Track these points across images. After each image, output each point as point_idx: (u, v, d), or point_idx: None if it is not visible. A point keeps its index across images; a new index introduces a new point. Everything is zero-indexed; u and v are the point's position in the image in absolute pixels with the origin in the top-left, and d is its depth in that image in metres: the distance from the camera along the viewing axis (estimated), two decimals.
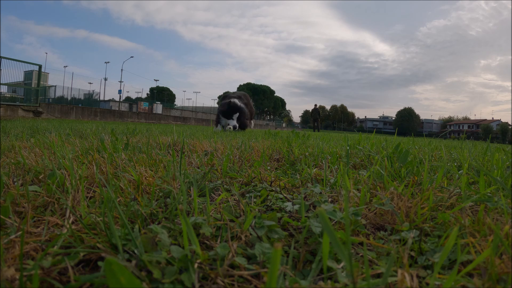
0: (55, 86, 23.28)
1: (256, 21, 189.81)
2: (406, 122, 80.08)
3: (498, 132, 68.73)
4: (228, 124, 6.22)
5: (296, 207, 0.87)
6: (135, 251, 0.55)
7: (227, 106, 6.21)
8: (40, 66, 13.29)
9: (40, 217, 0.76)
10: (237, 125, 6.27)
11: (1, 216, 0.67)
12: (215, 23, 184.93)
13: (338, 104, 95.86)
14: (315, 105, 20.20)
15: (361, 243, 0.71)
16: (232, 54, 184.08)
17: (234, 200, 0.98)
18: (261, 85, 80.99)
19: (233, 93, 7.16)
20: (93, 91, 26.50)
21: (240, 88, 78.14)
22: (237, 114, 6.25)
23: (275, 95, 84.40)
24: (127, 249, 0.58)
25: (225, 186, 1.16)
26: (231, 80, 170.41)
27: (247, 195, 1.06)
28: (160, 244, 0.59)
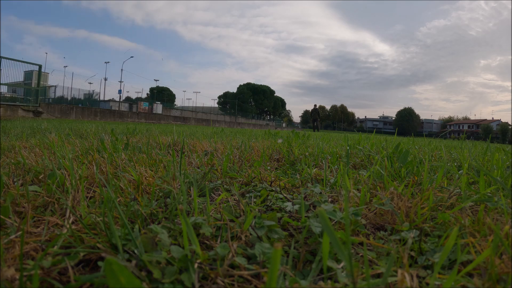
0: (55, 86, 23.32)
1: (256, 21, 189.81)
2: (406, 122, 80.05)
3: (498, 132, 68.71)
4: None
5: (296, 207, 0.87)
6: (135, 251, 0.55)
7: None
8: (40, 66, 13.30)
9: (40, 217, 0.76)
10: None
11: (1, 216, 0.67)
12: (215, 23, 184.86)
13: (338, 104, 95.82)
14: (315, 105, 20.16)
15: (361, 243, 0.71)
16: (232, 54, 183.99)
17: (234, 200, 0.98)
18: (261, 85, 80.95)
19: None
20: (93, 91, 26.57)
21: (240, 88, 78.09)
22: None
23: (275, 95, 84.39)
24: (127, 249, 0.57)
25: (225, 186, 1.16)
26: (231, 80, 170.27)
27: (247, 195, 1.06)
28: (160, 244, 0.59)
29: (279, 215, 0.83)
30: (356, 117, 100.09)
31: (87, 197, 0.94)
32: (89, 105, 22.49)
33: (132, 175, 1.08)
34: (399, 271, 0.51)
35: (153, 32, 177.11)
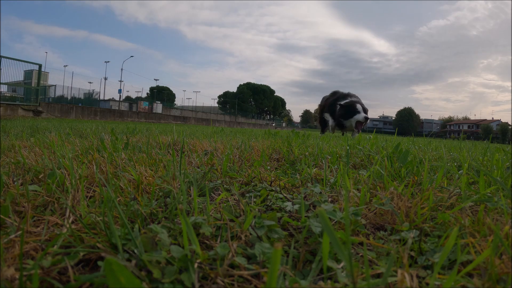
0: (55, 85, 23.30)
1: (259, 21, 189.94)
2: (406, 122, 79.96)
3: (498, 132, 68.67)
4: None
5: (296, 207, 0.87)
6: (135, 251, 0.55)
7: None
8: (40, 66, 13.30)
9: (40, 216, 0.76)
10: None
11: (1, 216, 0.67)
12: (216, 23, 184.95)
13: None
14: None
15: (361, 243, 0.71)
16: (234, 54, 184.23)
17: (234, 200, 0.98)
18: (261, 84, 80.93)
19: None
20: (93, 90, 26.55)
21: (240, 87, 78.12)
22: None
23: (275, 94, 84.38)
24: (127, 249, 0.57)
25: (225, 186, 1.15)
26: (231, 80, 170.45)
27: (247, 195, 1.05)
28: (160, 244, 0.59)
29: (279, 215, 0.83)
30: None
31: (87, 196, 0.94)
32: (89, 104, 22.48)
33: (132, 175, 1.08)
34: (399, 271, 0.51)
35: (155, 31, 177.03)
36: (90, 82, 34.18)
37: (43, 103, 15.52)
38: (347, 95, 5.88)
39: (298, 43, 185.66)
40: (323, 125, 6.32)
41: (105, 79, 37.27)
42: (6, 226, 0.66)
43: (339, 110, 5.48)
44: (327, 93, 6.54)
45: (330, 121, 5.83)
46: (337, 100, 5.75)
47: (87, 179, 1.07)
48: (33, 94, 13.24)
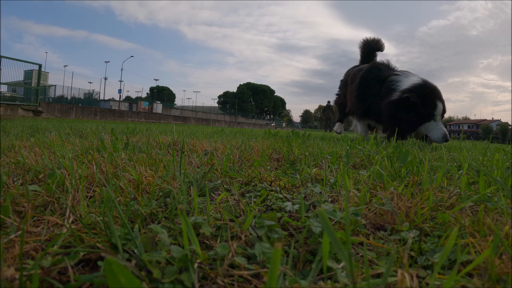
0: (55, 85, 23.31)
1: (259, 21, 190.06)
2: None
3: (498, 132, 68.68)
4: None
5: (296, 207, 0.87)
6: (135, 251, 0.55)
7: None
8: (40, 66, 13.31)
9: (40, 216, 0.76)
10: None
11: (1, 216, 0.67)
12: (216, 23, 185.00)
13: None
14: (328, 101, 17.17)
15: (361, 243, 0.71)
16: (234, 54, 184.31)
17: (234, 199, 0.98)
18: (261, 84, 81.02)
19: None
20: (93, 90, 26.58)
21: (240, 87, 78.14)
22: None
23: (275, 94, 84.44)
24: (127, 249, 0.57)
25: (225, 186, 1.15)
26: (231, 80, 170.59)
27: (247, 195, 1.05)
28: (160, 243, 0.59)
29: (279, 215, 0.83)
30: None
31: (87, 196, 0.94)
32: (89, 104, 22.47)
33: (132, 175, 1.08)
34: (399, 271, 0.51)
35: (155, 31, 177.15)
36: (90, 82, 34.28)
37: (43, 103, 15.52)
38: (407, 74, 3.13)
39: (298, 43, 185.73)
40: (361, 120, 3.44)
41: (105, 79, 37.29)
42: (6, 226, 0.66)
43: (393, 102, 2.94)
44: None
45: (360, 125, 3.39)
46: (384, 80, 3.06)
47: (87, 179, 1.07)
48: (33, 94, 13.24)
